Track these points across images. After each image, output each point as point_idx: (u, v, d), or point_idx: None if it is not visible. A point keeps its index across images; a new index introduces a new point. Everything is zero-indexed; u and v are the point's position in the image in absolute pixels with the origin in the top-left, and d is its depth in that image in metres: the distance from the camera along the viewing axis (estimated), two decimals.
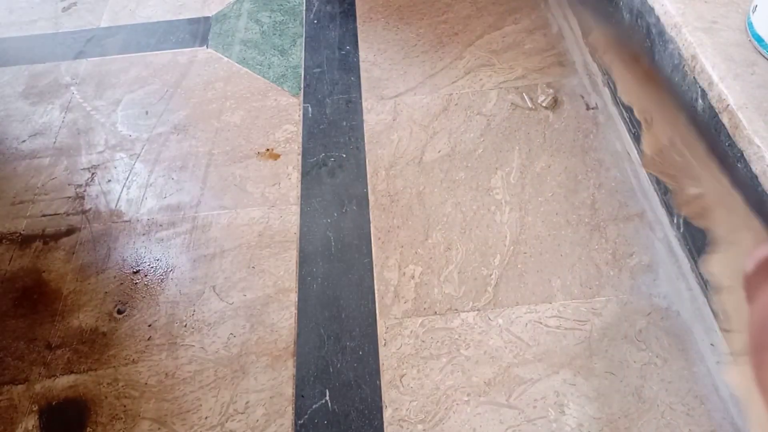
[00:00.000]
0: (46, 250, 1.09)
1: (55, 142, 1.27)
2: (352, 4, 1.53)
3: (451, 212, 1.08)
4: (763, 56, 0.77)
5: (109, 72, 1.42)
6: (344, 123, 1.24)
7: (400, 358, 0.91)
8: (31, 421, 0.88)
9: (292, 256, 1.04)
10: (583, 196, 1.08)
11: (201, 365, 0.92)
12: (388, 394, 0.88)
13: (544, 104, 1.22)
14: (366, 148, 1.18)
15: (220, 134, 1.25)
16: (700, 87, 0.80)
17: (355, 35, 1.44)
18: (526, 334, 0.92)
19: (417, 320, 0.95)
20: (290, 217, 1.10)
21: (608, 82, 1.19)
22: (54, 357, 0.95)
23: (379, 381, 0.89)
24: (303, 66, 1.38)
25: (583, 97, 1.23)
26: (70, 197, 1.17)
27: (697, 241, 0.89)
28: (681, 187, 0.40)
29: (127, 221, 1.12)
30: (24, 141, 1.28)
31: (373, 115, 1.25)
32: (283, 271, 1.02)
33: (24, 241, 1.11)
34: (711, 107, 0.77)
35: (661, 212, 1.01)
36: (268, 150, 1.21)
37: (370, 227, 1.07)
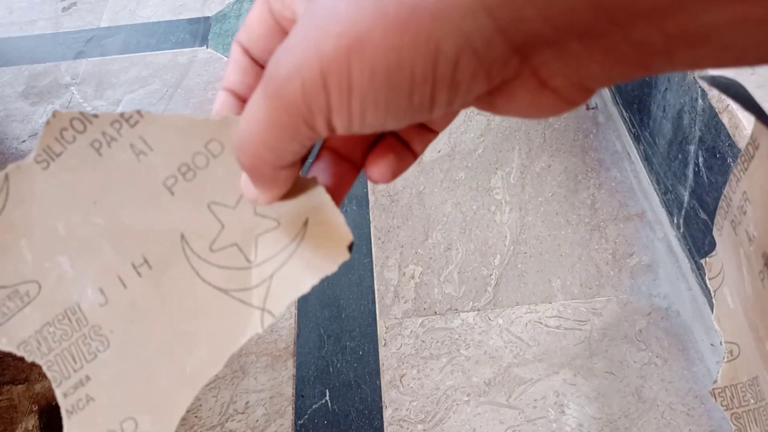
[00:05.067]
0: None
1: None
2: None
3: (451, 212, 1.08)
4: None
5: (109, 72, 1.42)
6: None
7: (400, 358, 0.91)
8: (31, 421, 0.88)
9: None
10: (583, 196, 1.08)
11: None
12: (388, 394, 0.88)
13: None
14: None
15: None
16: (700, 87, 0.80)
17: None
18: (526, 334, 0.92)
19: (417, 320, 0.95)
20: None
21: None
22: None
23: (379, 381, 0.89)
24: None
25: None
26: None
27: (697, 241, 0.90)
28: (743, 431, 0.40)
29: None
30: (24, 141, 1.28)
31: None
32: None
33: None
34: (711, 107, 0.78)
35: (661, 212, 1.02)
36: None
37: (370, 227, 1.07)
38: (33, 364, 0.97)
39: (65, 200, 0.24)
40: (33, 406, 0.90)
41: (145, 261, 0.24)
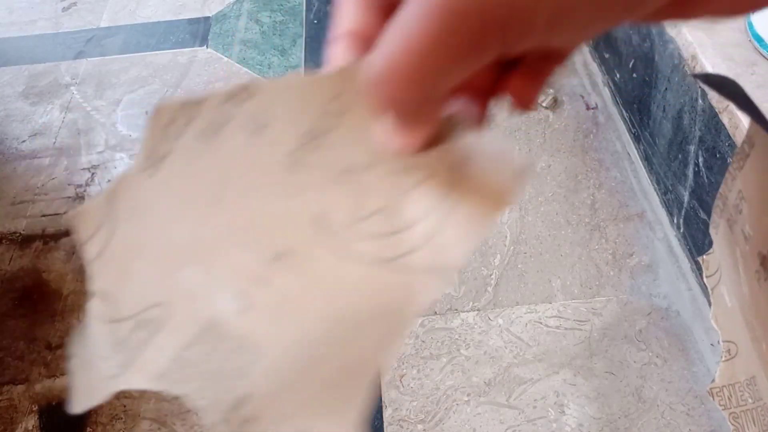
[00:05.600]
0: (46, 250, 1.09)
1: (55, 142, 1.27)
2: None
3: None
4: (763, 56, 0.77)
5: (109, 72, 1.42)
6: None
7: (400, 358, 0.91)
8: (31, 421, 0.88)
9: None
10: (583, 196, 1.08)
11: None
12: (388, 394, 0.88)
13: (544, 104, 1.22)
14: None
15: None
16: (699, 87, 0.80)
17: None
18: (526, 334, 0.92)
19: (417, 320, 0.95)
20: None
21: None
22: (54, 357, 0.95)
23: (379, 381, 0.89)
24: (303, 66, 1.38)
25: (583, 97, 1.23)
26: (70, 197, 1.17)
27: (697, 241, 0.90)
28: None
29: None
30: (24, 141, 1.28)
31: None
32: None
33: (24, 241, 1.11)
34: (711, 107, 0.78)
35: (661, 212, 1.02)
36: None
37: None
38: (33, 364, 0.96)
39: (180, 206, 0.21)
40: (33, 406, 0.90)
41: (282, 252, 0.20)
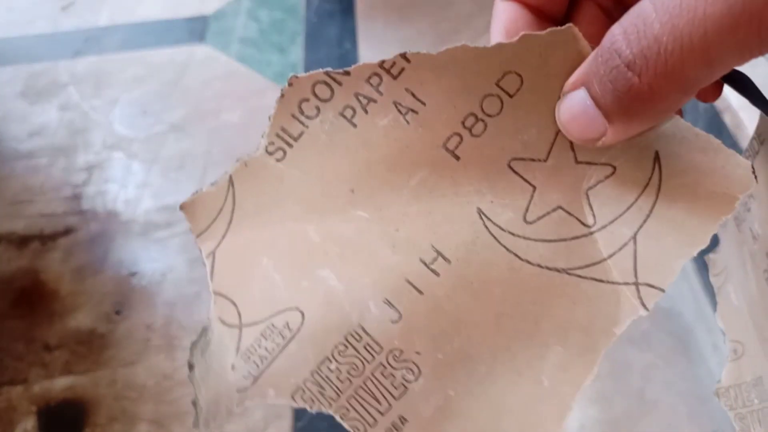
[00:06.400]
0: (44, 250, 1.08)
1: (53, 142, 1.26)
2: (352, 2, 1.52)
3: None
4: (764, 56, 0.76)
5: (107, 71, 1.41)
6: None
7: None
8: (30, 422, 0.88)
9: None
10: None
11: None
12: None
13: None
14: None
15: (219, 133, 1.25)
16: None
17: (355, 33, 1.44)
18: None
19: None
20: None
21: None
22: (52, 358, 0.94)
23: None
24: (302, 64, 1.38)
25: None
26: (67, 197, 1.16)
27: None
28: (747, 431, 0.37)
29: (124, 221, 1.11)
30: (22, 141, 1.27)
31: None
32: None
33: (22, 241, 1.10)
34: (712, 106, 0.77)
35: None
36: None
37: None
38: (31, 365, 0.96)
39: (312, 196, 0.19)
40: (32, 407, 0.89)
41: (439, 254, 0.18)
